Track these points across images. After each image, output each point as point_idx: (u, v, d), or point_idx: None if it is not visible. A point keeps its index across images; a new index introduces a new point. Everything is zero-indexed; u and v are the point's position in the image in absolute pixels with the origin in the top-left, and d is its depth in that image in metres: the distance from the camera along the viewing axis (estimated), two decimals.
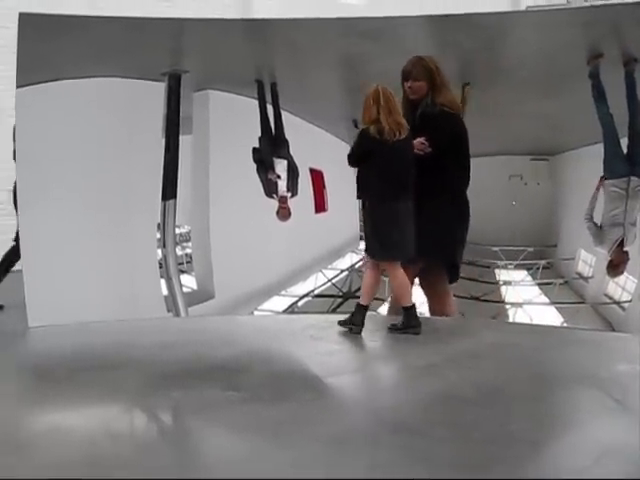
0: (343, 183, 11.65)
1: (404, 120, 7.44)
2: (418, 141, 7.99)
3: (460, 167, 8.58)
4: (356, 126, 11.39)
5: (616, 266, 8.34)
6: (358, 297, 8.03)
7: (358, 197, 7.54)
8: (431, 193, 7.98)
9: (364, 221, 7.58)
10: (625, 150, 8.33)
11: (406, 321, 7.07)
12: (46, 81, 8.56)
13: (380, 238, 7.14)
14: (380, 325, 8.00)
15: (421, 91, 8.37)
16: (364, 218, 7.58)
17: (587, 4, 12.80)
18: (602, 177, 8.47)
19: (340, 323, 7.12)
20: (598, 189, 8.47)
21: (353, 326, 6.98)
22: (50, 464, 3.71)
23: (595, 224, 8.41)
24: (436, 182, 8.13)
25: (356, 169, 7.66)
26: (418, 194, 7.76)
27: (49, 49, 8.32)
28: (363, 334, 7.11)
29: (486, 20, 8.76)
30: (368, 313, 7.22)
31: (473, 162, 8.93)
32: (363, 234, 7.69)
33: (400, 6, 12.44)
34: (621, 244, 8.17)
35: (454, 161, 8.44)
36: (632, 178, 8.15)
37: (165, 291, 9.56)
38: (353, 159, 7.53)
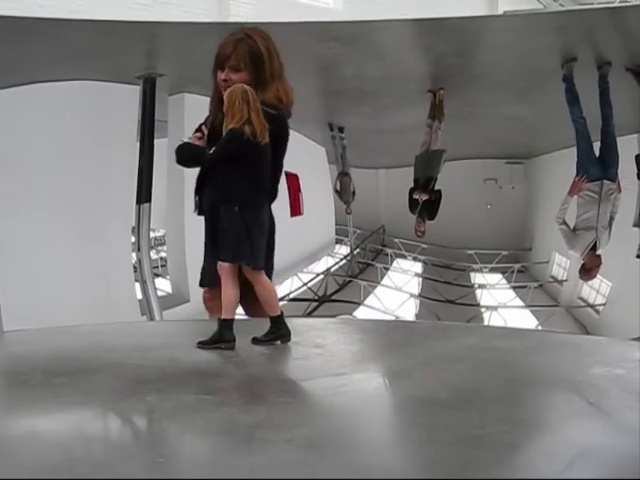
0: (319, 186, 11.68)
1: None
2: None
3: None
4: (331, 129, 11.47)
5: (589, 270, 8.39)
6: (334, 301, 8.04)
7: (223, 202, 6.31)
8: None
9: (230, 228, 6.26)
10: (598, 153, 8.38)
11: (275, 330, 6.68)
12: (19, 84, 8.53)
13: (252, 245, 6.63)
14: (356, 329, 8.00)
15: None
16: (232, 224, 6.29)
17: (563, 9, 12.91)
18: (575, 180, 8.47)
19: (204, 345, 6.54)
20: (571, 195, 8.50)
21: (225, 343, 6.49)
22: (23, 467, 3.69)
23: (568, 227, 8.44)
24: None
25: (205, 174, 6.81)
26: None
27: (23, 52, 8.29)
28: (340, 338, 7.09)
29: (462, 24, 8.79)
30: (344, 316, 7.18)
31: (448, 166, 8.97)
32: (225, 241, 6.64)
33: (377, 10, 12.49)
34: (594, 248, 8.22)
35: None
36: (604, 181, 8.21)
37: (140, 295, 9.54)
38: (218, 159, 6.43)
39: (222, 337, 6.48)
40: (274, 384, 5.51)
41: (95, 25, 8.63)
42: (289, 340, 6.52)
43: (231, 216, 6.41)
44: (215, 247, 7.25)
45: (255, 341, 6.50)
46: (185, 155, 7.28)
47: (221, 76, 6.55)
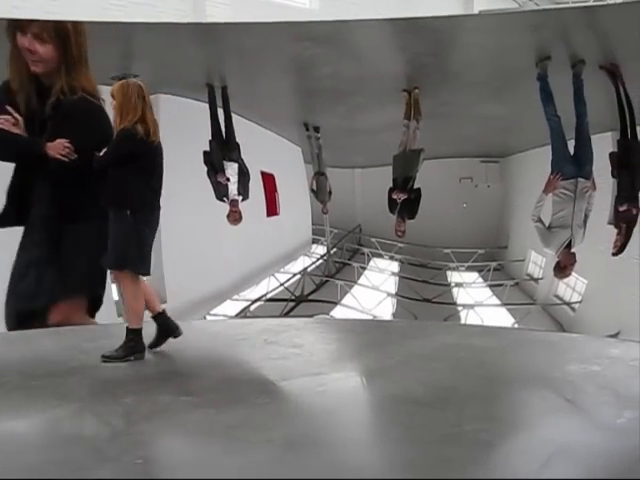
0: (295, 186, 11.67)
1: None
2: (60, 142, 6.33)
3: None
4: (307, 129, 11.46)
5: (563, 268, 8.39)
6: (311, 301, 8.01)
7: (114, 206, 6.18)
8: (74, 213, 6.66)
9: (120, 233, 6.15)
10: (572, 151, 8.40)
11: (132, 344, 6.20)
12: None
13: (145, 250, 6.31)
14: (334, 329, 8.01)
15: (49, 62, 6.46)
16: (122, 229, 6.16)
17: (538, 8, 12.95)
18: (550, 178, 8.44)
19: (112, 358, 6.05)
20: (546, 193, 8.48)
21: (136, 354, 6.14)
22: (1, 470, 3.67)
23: (543, 224, 8.43)
24: (80, 199, 6.62)
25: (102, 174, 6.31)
26: (58, 214, 6.60)
27: None
28: (318, 338, 7.11)
29: (437, 24, 8.76)
30: (322, 316, 7.16)
31: (423, 165, 8.95)
32: (115, 245, 6.19)
33: (353, 10, 12.49)
34: (569, 245, 8.23)
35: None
36: (579, 180, 8.22)
37: (116, 296, 9.49)
38: (110, 161, 6.20)
39: (132, 349, 6.25)
40: (252, 384, 5.52)
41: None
42: (143, 357, 6.18)
43: (122, 221, 6.12)
44: (58, 261, 6.88)
45: (106, 358, 6.06)
46: (10, 146, 6.47)
47: (24, 42, 6.12)
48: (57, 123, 6.38)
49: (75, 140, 6.31)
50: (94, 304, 7.07)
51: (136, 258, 6.20)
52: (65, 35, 6.45)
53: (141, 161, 6.17)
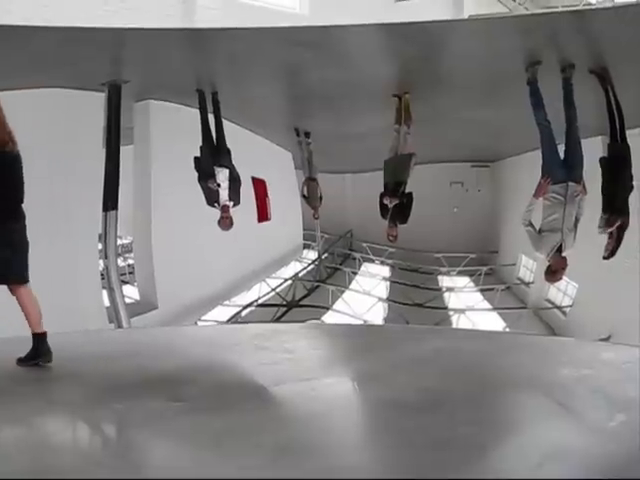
0: (286, 192, 11.67)
1: None
2: None
3: None
4: (298, 134, 11.47)
5: (554, 272, 8.36)
6: (303, 306, 7.98)
7: None
8: None
9: None
10: (562, 156, 8.39)
11: (37, 349, 6.07)
12: None
13: (17, 257, 6.21)
14: (325, 334, 8.00)
15: None
16: None
17: (528, 12, 12.94)
18: (541, 182, 8.41)
19: (23, 362, 6.03)
20: (537, 197, 8.45)
21: (42, 357, 6.02)
22: None
23: (534, 228, 8.41)
24: None
25: None
26: None
27: None
28: (309, 343, 7.10)
29: (428, 28, 8.75)
30: (313, 321, 7.15)
31: (414, 170, 8.93)
32: None
33: (343, 14, 12.48)
34: (559, 249, 8.21)
35: None
36: (570, 184, 8.20)
37: (107, 302, 9.47)
38: None
39: (37, 353, 5.99)
40: (243, 390, 5.51)
41: (60, 32, 8.55)
42: (50, 360, 5.98)
43: None
44: None
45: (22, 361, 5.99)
46: None
47: None
48: None
49: None
50: None
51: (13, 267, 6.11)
52: None
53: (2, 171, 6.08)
